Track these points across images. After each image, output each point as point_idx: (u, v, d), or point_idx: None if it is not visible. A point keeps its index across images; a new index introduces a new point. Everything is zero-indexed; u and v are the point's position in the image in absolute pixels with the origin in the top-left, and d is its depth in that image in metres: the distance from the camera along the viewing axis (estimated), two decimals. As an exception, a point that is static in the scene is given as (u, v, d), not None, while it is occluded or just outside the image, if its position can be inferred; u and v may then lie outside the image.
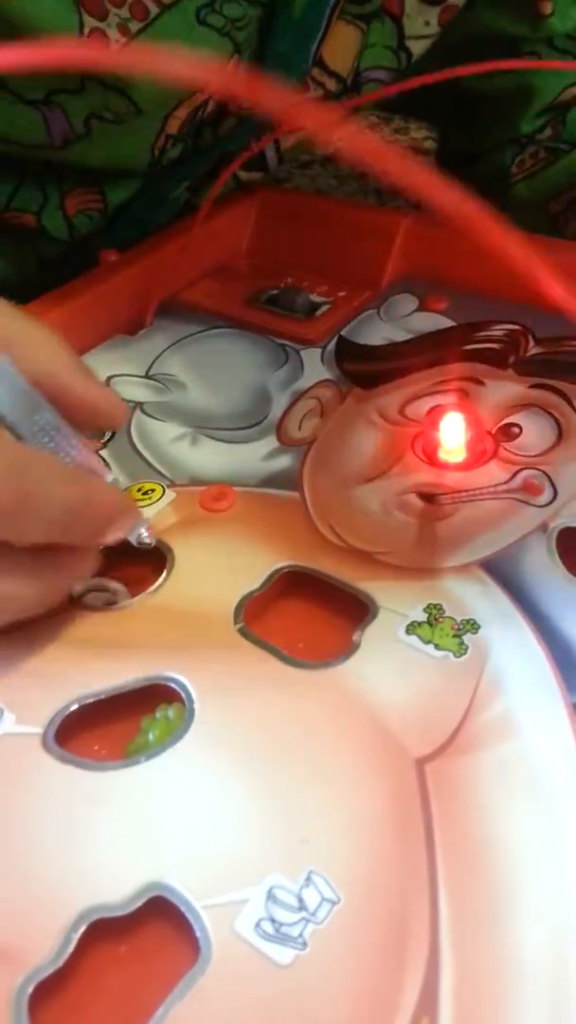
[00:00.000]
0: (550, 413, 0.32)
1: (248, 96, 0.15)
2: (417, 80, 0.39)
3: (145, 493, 0.29)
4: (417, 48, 0.41)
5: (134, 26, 0.32)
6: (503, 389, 0.33)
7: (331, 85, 0.41)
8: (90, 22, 0.32)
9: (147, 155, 0.39)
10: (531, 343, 0.36)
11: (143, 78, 0.33)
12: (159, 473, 0.31)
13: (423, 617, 0.24)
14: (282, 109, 0.15)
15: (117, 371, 0.36)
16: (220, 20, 0.34)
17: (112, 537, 0.23)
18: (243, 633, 0.24)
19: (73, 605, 0.25)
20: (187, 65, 0.14)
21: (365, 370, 0.35)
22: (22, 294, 0.36)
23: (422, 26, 0.40)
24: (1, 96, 0.34)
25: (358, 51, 0.40)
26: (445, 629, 0.24)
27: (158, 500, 0.29)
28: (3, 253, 0.42)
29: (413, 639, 0.24)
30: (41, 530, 0.21)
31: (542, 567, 0.26)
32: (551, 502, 0.28)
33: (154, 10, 0.33)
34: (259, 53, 0.38)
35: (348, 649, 0.24)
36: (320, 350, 0.37)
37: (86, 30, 0.32)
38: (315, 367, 0.36)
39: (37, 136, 0.36)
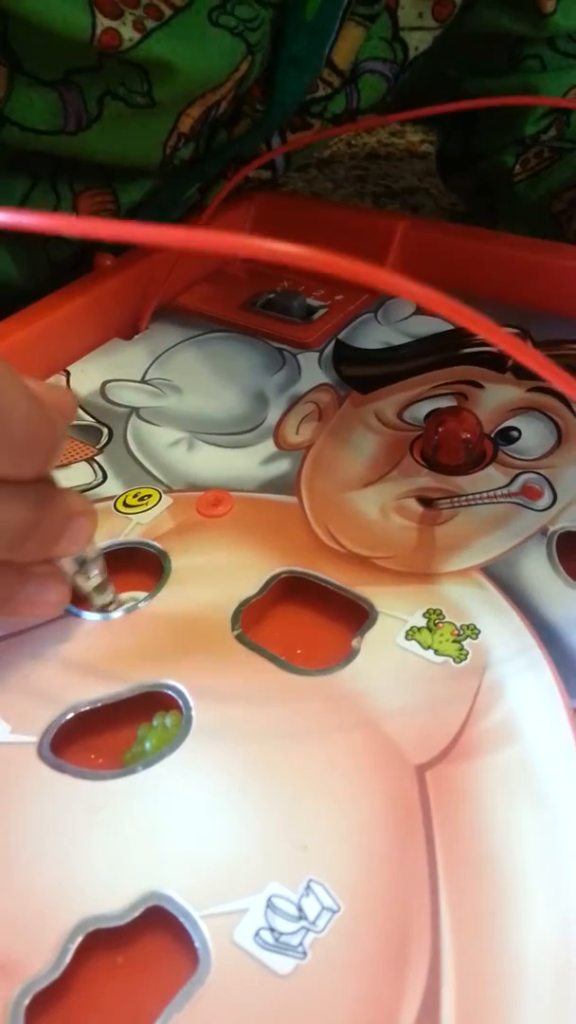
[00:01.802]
0: (549, 416, 0.32)
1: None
2: (412, 112, 0.39)
3: (142, 499, 0.29)
4: (413, 40, 0.41)
5: (150, 24, 0.32)
6: (502, 392, 0.33)
7: (334, 81, 0.41)
8: (103, 22, 0.32)
9: (158, 153, 0.38)
10: (530, 346, 0.36)
11: (164, 63, 0.34)
12: (155, 479, 0.30)
13: (423, 622, 0.24)
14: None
15: (113, 376, 0.36)
16: (232, 21, 0.34)
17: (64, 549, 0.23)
18: (241, 639, 0.24)
19: (68, 612, 0.25)
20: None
21: (363, 374, 0.35)
22: (32, 296, 0.36)
23: (416, 18, 0.40)
24: (19, 79, 0.34)
25: (359, 47, 0.40)
26: (445, 634, 0.24)
27: (155, 506, 0.29)
28: (14, 256, 0.42)
29: (413, 645, 0.24)
30: None
31: (542, 571, 0.26)
32: (551, 506, 0.28)
33: (167, 12, 0.33)
34: (272, 55, 0.38)
35: (347, 655, 0.24)
36: (317, 354, 0.37)
37: (99, 31, 0.32)
38: (312, 371, 0.36)
39: (53, 121, 0.35)
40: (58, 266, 0.43)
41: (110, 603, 0.25)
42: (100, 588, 0.25)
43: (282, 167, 0.46)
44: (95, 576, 0.25)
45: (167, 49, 0.33)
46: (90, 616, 0.25)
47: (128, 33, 0.32)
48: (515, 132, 0.47)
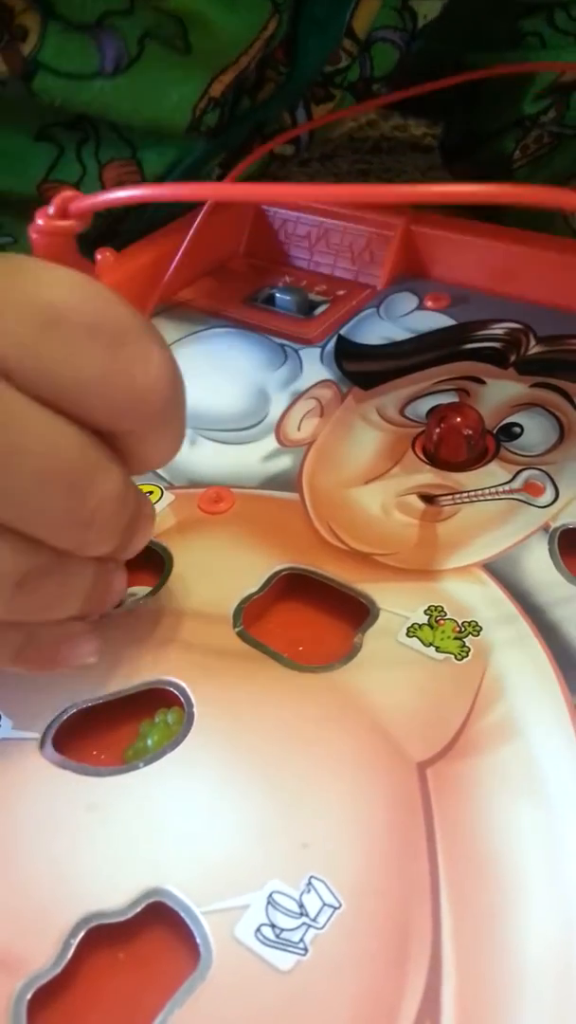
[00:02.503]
0: (552, 412, 0.32)
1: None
2: (415, 89, 0.39)
3: (144, 494, 0.29)
4: (423, 9, 0.41)
5: None
6: (504, 388, 0.33)
7: (353, 51, 0.41)
8: None
9: (187, 115, 0.38)
10: (532, 342, 0.36)
11: (198, 14, 0.34)
12: (157, 475, 0.30)
13: (424, 619, 0.24)
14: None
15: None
16: None
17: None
18: (242, 636, 0.24)
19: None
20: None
21: (365, 370, 0.35)
22: None
23: None
24: (51, 24, 0.34)
25: (376, 15, 0.40)
26: (446, 631, 0.24)
27: (156, 502, 0.29)
28: (16, 244, 0.42)
29: (414, 642, 0.24)
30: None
31: (544, 568, 0.26)
32: (553, 502, 0.28)
33: None
34: (294, 18, 0.38)
35: (348, 652, 0.24)
36: (319, 349, 0.37)
37: None
38: (314, 367, 0.36)
39: (88, 64, 0.35)
40: (80, 243, 0.43)
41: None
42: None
43: (306, 142, 0.46)
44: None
45: (200, 1, 0.33)
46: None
47: None
48: (514, 110, 0.47)
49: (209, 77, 0.37)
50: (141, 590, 0.26)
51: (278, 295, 0.40)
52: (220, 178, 0.45)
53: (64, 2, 0.33)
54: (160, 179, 0.42)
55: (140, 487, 0.30)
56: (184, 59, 0.36)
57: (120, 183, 0.41)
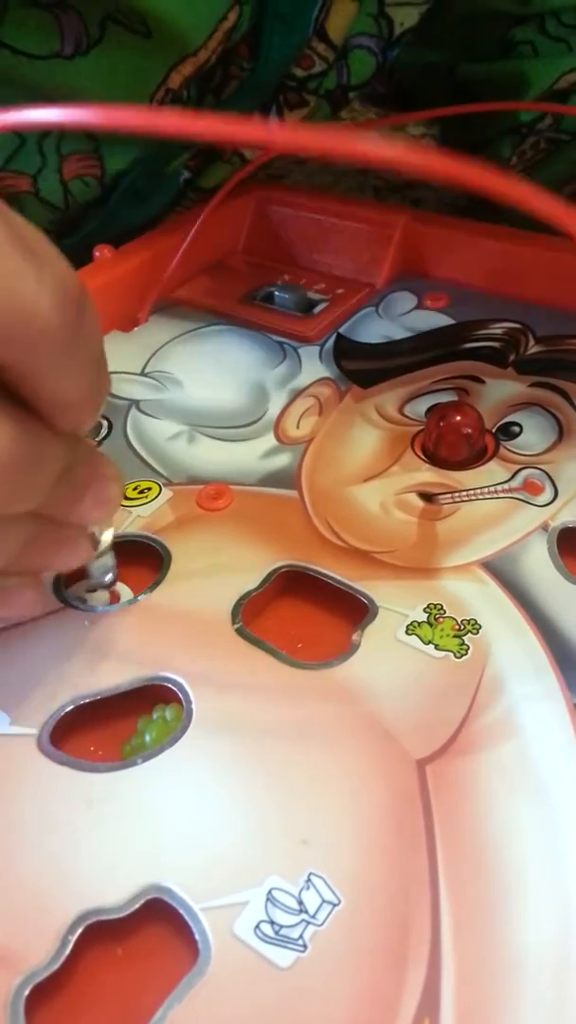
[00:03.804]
0: (551, 412, 0.32)
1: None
2: (403, 117, 0.39)
3: (141, 492, 0.29)
4: (399, 16, 0.41)
5: None
6: (503, 387, 0.33)
7: (329, 56, 0.41)
8: None
9: (144, 104, 0.38)
10: (531, 341, 0.36)
11: (151, 10, 0.33)
12: (155, 472, 0.30)
13: (423, 617, 0.24)
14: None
15: (112, 368, 0.35)
16: None
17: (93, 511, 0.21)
18: (241, 633, 0.24)
19: (68, 604, 0.25)
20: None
21: (364, 368, 0.35)
22: None
23: None
24: (11, 1, 0.32)
25: (352, 21, 0.40)
26: (446, 629, 0.24)
27: (155, 499, 0.29)
28: None
29: (413, 639, 0.24)
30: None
31: (543, 567, 0.26)
32: (552, 501, 0.28)
33: None
34: (260, 14, 0.38)
35: (347, 649, 0.24)
36: (318, 348, 0.37)
37: None
38: (313, 365, 0.36)
39: (47, 44, 0.34)
40: None
41: (109, 592, 0.25)
42: (108, 577, 0.25)
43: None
44: (107, 565, 0.25)
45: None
46: (90, 608, 0.25)
47: None
48: (511, 118, 0.47)
49: (167, 68, 0.37)
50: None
51: (277, 293, 0.40)
52: (188, 181, 0.45)
53: None
54: (122, 175, 0.41)
55: (139, 483, 0.30)
56: (144, 45, 0.35)
57: (79, 176, 0.40)
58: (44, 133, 0.38)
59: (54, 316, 0.16)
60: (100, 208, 0.42)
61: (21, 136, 0.38)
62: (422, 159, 0.14)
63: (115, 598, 0.25)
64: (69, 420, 0.18)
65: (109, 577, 0.25)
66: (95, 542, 0.24)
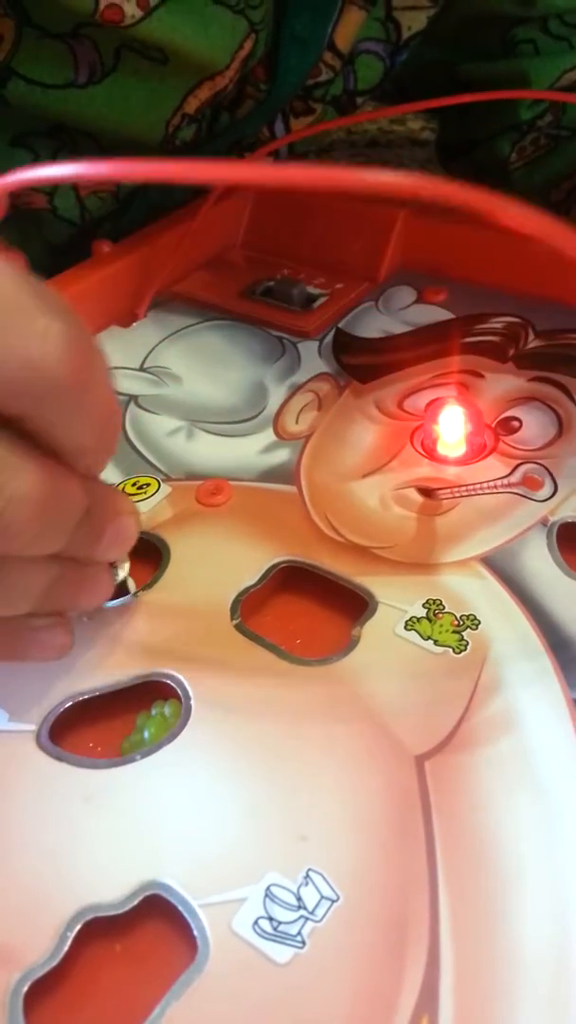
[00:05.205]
0: (550, 406, 0.32)
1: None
2: (409, 106, 0.39)
3: (140, 488, 0.29)
4: (406, 20, 0.41)
5: (153, 0, 0.32)
6: (503, 382, 0.33)
7: (336, 64, 0.41)
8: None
9: (160, 129, 0.38)
10: (531, 336, 0.36)
11: (167, 43, 0.33)
12: (154, 467, 0.30)
13: (422, 613, 0.24)
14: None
15: (111, 364, 0.35)
16: None
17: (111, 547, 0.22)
18: (240, 629, 0.24)
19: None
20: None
21: (363, 363, 0.35)
22: None
23: None
24: (27, 31, 0.33)
25: (359, 29, 0.40)
26: (445, 625, 0.24)
27: (154, 494, 0.29)
28: (11, 241, 0.41)
29: (412, 635, 0.24)
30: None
31: (542, 562, 0.26)
32: (551, 496, 0.28)
33: None
34: (275, 34, 0.38)
35: (347, 645, 0.24)
36: (317, 343, 0.37)
37: (101, 5, 0.31)
38: (312, 360, 0.36)
39: (62, 74, 0.34)
40: (56, 252, 0.43)
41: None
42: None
43: (284, 153, 0.46)
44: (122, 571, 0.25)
45: (168, 28, 0.33)
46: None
47: (131, 10, 0.32)
48: (511, 116, 0.47)
49: (183, 93, 0.37)
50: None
51: (276, 288, 0.40)
52: (198, 195, 0.45)
53: (40, 10, 0.33)
54: (136, 191, 0.41)
55: (138, 479, 0.30)
56: (160, 71, 0.35)
57: (96, 193, 0.40)
58: (58, 149, 0.39)
59: (61, 369, 0.17)
60: (116, 221, 0.42)
61: (35, 152, 0.39)
62: (431, 187, 0.14)
63: (120, 591, 0.25)
64: (82, 465, 0.19)
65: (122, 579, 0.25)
66: (113, 576, 0.24)
